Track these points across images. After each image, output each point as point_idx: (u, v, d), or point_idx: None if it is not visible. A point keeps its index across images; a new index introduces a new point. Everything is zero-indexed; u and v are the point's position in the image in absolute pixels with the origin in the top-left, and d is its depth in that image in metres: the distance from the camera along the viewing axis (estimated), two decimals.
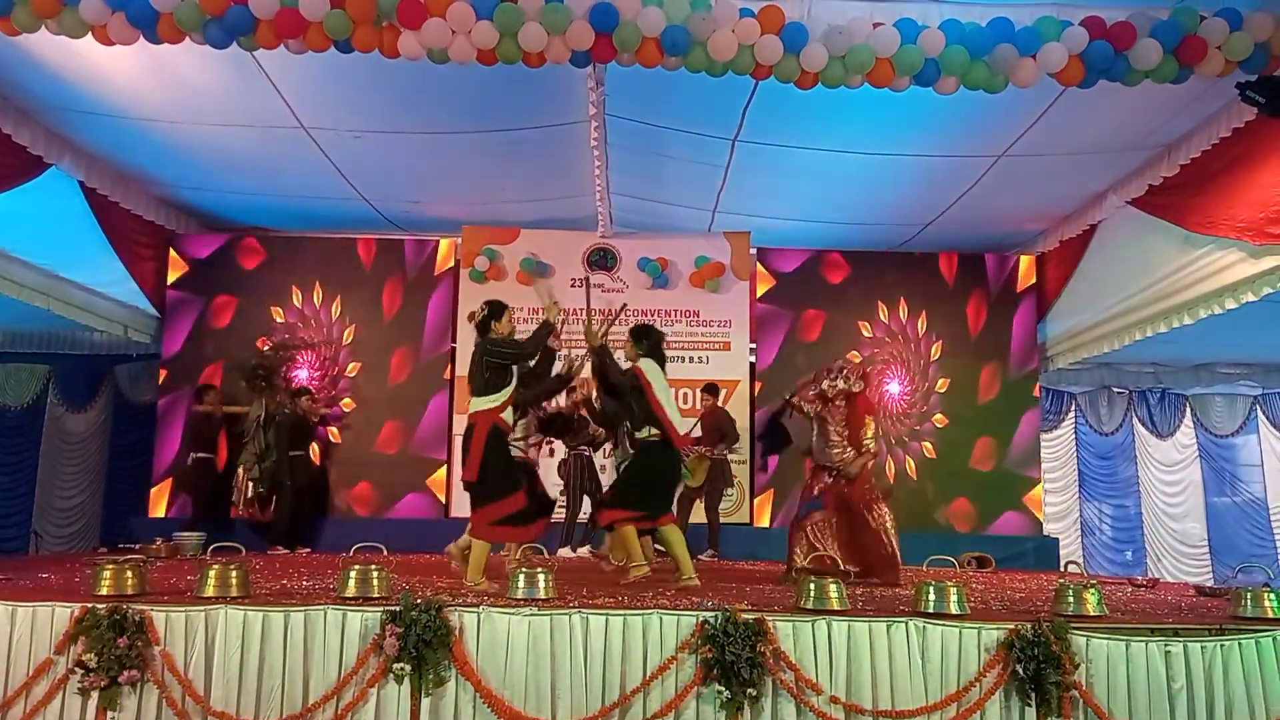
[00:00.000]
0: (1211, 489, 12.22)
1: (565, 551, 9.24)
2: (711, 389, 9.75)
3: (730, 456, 9.87)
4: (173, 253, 10.66)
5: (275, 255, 10.83)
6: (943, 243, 10.82)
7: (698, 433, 9.34)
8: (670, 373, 9.94)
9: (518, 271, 10.65)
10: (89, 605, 4.69)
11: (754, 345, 10.82)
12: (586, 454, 9.05)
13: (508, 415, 6.21)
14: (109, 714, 4.56)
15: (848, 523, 7.09)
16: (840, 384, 7.25)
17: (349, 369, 10.69)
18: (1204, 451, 12.27)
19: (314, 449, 10.25)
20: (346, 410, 10.56)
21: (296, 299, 10.76)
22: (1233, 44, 5.82)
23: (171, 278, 10.65)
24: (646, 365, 6.60)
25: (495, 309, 6.35)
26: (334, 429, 10.52)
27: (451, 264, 10.87)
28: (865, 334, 10.92)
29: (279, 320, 10.68)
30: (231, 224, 10.97)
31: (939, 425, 10.72)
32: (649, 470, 6.65)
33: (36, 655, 4.67)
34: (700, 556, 8.57)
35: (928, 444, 10.71)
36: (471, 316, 6.41)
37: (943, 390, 10.80)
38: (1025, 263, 11.03)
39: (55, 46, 6.46)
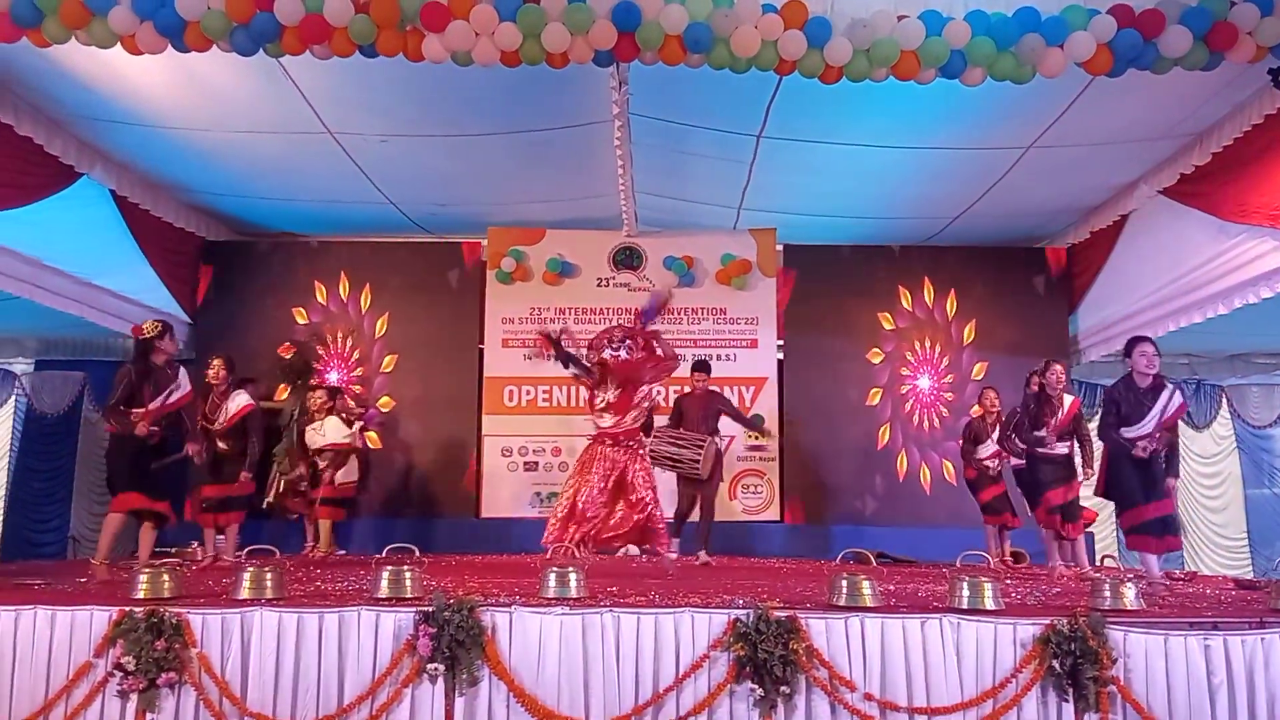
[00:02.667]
0: (1250, 480, 12.03)
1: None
2: (702, 366, 8.91)
3: (762, 453, 9.80)
4: (204, 258, 10.77)
5: (305, 259, 10.93)
6: (971, 237, 10.73)
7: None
8: None
9: (544, 272, 10.68)
10: (127, 609, 4.75)
11: (781, 342, 10.78)
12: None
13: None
14: (148, 716, 4.62)
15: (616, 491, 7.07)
16: (623, 353, 7.05)
17: (385, 364, 10.73)
18: (1241, 443, 12.09)
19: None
20: (384, 410, 10.59)
21: (325, 300, 10.84)
22: (1264, 29, 5.73)
23: (203, 283, 10.75)
24: None
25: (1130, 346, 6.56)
26: (373, 433, 10.55)
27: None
28: (888, 327, 10.88)
29: (305, 321, 10.77)
30: (261, 229, 11.07)
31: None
32: None
33: (76, 658, 4.74)
34: (694, 559, 8.22)
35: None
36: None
37: (980, 377, 10.69)
38: (1056, 255, 10.96)
39: (85, 57, 6.54)
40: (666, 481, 8.57)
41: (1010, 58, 5.83)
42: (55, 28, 5.64)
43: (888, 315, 10.87)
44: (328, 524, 9.30)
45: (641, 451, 7.26)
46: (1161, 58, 5.84)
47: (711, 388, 8.95)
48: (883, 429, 10.68)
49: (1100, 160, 8.54)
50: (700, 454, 8.11)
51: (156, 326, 6.93)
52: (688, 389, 8.92)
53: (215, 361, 8.16)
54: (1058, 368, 7.81)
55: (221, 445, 8.13)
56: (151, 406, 6.71)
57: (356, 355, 10.75)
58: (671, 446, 8.23)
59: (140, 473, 6.79)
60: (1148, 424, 6.25)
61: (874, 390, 10.76)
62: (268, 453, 9.63)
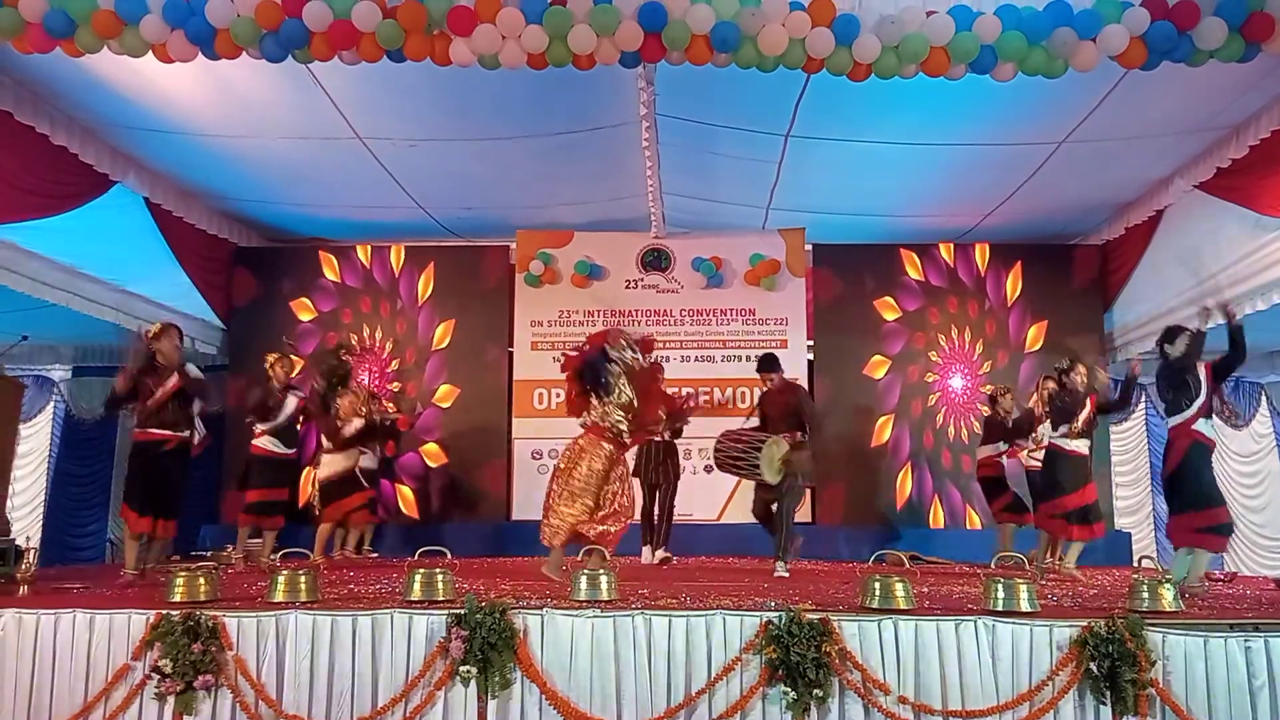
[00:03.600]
0: None
1: (646, 555, 8.67)
2: (766, 363, 7.96)
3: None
4: (236, 264, 10.87)
5: (335, 264, 11.00)
6: (1004, 234, 10.63)
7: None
8: (728, 372, 9.96)
9: (573, 274, 10.69)
10: (164, 612, 4.80)
11: (812, 342, 10.72)
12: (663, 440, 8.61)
13: (1202, 427, 6.49)
14: (185, 718, 4.66)
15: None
16: (628, 354, 6.65)
17: (438, 337, 10.79)
18: None
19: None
20: (444, 406, 10.66)
21: (357, 305, 10.91)
22: None
23: (236, 290, 10.86)
24: None
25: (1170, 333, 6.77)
26: (432, 444, 10.63)
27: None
28: (929, 332, 10.78)
29: (332, 324, 10.84)
30: (293, 235, 11.16)
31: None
32: None
33: (114, 661, 4.79)
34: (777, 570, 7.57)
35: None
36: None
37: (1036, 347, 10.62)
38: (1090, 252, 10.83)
39: (118, 66, 6.62)
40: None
41: (1042, 52, 5.76)
42: (87, 37, 5.71)
43: (890, 300, 10.76)
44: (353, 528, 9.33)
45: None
46: (1196, 50, 5.75)
47: (793, 381, 8.37)
48: (902, 475, 10.51)
49: (1135, 155, 8.43)
50: (760, 456, 7.37)
51: (156, 328, 7.10)
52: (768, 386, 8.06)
53: (275, 362, 8.35)
54: (1081, 367, 7.82)
55: (274, 445, 8.24)
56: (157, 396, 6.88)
57: (390, 347, 10.80)
58: (735, 448, 7.60)
59: (143, 487, 6.93)
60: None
61: (883, 419, 10.63)
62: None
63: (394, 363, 10.78)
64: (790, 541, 7.65)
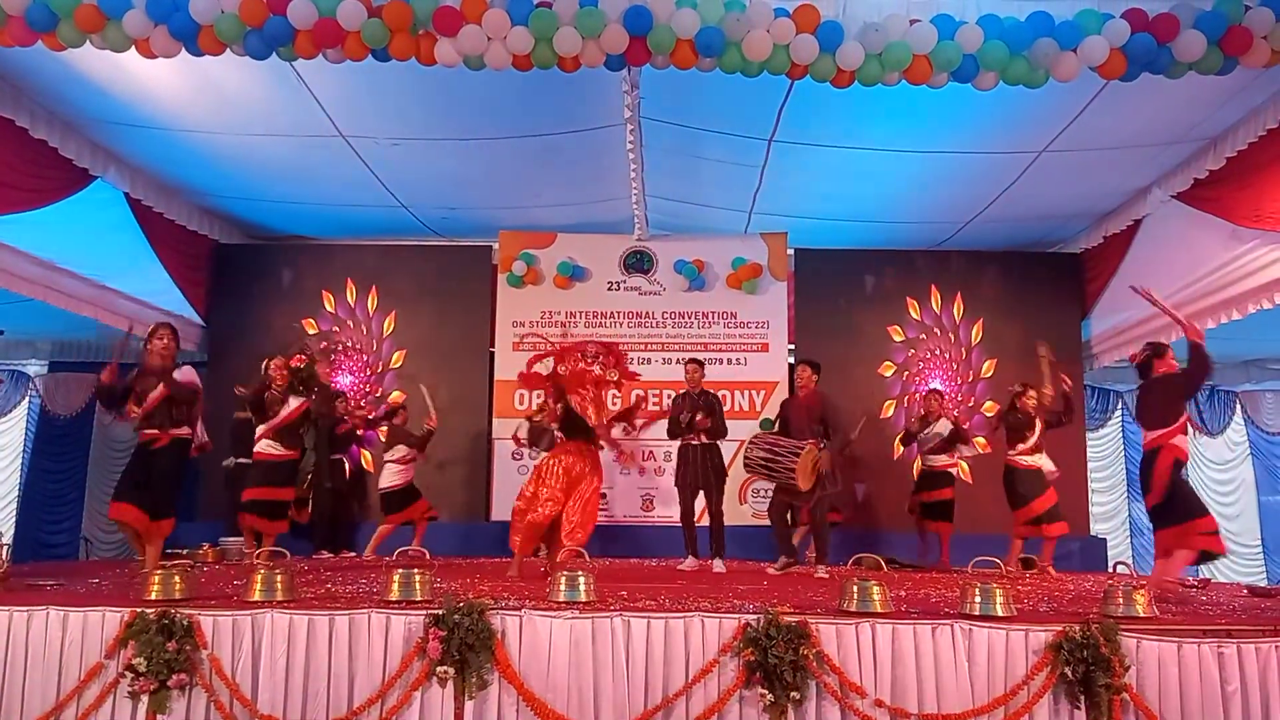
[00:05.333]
0: (1264, 487, 11.99)
1: (690, 563, 8.37)
2: (809, 364, 8.33)
3: None
4: (216, 261, 10.80)
5: (317, 262, 10.95)
6: (983, 241, 10.70)
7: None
8: (709, 375, 9.96)
9: (555, 276, 10.69)
10: (138, 610, 4.77)
11: (793, 346, 10.76)
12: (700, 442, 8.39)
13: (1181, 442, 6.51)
14: (159, 717, 4.62)
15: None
16: (596, 369, 6.80)
17: (394, 359, 10.77)
18: (1255, 449, 12.04)
19: (365, 456, 10.27)
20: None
21: (334, 305, 10.86)
22: (1278, 34, 5.70)
23: (215, 286, 10.79)
24: None
25: (1158, 349, 6.72)
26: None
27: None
28: (898, 338, 10.83)
29: (319, 328, 10.78)
30: (274, 233, 11.12)
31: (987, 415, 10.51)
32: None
33: (88, 659, 4.75)
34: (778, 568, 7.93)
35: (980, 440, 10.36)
36: (1135, 358, 6.89)
37: (987, 376, 10.66)
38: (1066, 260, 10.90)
39: (100, 61, 6.57)
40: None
41: (1023, 62, 5.81)
42: (70, 31, 5.66)
43: (898, 327, 10.83)
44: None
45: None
46: (1175, 62, 5.81)
47: (819, 390, 8.24)
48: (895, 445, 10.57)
49: (1113, 165, 8.50)
50: (796, 461, 7.53)
51: (150, 328, 7.03)
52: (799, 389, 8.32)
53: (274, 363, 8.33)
54: (1032, 392, 8.60)
55: (273, 448, 8.16)
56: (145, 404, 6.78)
57: (370, 357, 10.78)
58: (768, 452, 7.74)
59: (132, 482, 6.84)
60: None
61: (888, 402, 10.73)
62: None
63: (378, 349, 10.75)
64: (822, 543, 8.11)
